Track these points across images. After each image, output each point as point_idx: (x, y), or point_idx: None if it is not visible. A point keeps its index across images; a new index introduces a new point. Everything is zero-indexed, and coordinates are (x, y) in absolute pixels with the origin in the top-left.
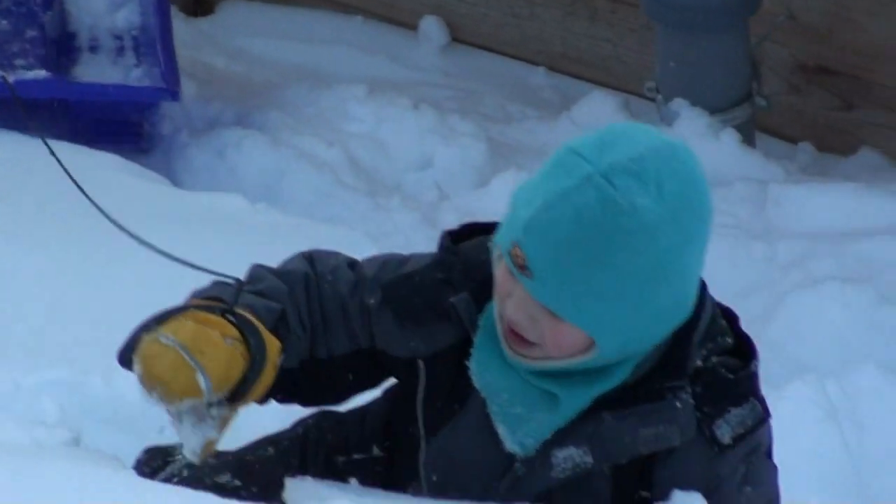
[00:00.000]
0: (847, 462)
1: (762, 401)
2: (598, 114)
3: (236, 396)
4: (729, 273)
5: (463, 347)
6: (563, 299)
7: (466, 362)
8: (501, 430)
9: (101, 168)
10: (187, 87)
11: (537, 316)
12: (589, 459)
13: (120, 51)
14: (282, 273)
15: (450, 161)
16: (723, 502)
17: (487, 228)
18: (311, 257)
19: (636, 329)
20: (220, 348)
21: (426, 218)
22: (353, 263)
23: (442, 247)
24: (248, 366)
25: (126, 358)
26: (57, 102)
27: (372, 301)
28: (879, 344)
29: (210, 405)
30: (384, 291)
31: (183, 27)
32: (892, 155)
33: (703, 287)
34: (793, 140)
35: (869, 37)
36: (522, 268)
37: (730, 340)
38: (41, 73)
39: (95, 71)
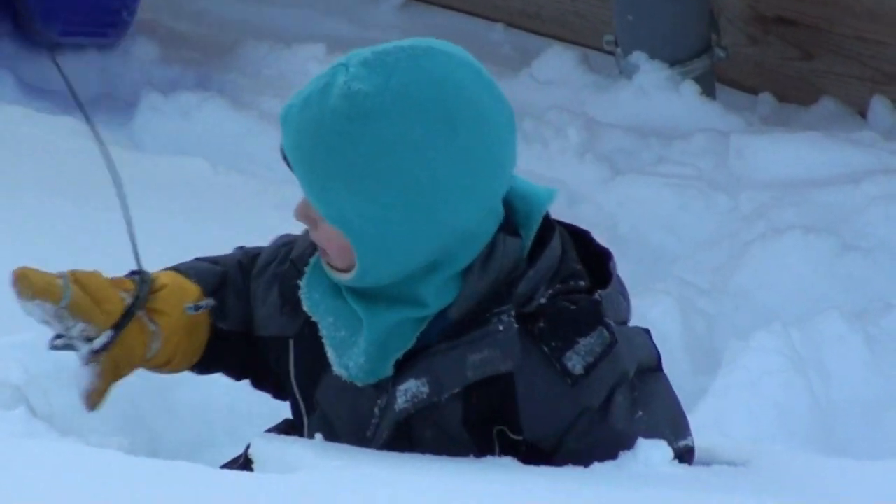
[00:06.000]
0: (812, 409)
1: (609, 327)
2: (557, 69)
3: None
4: (693, 224)
5: None
6: (310, 189)
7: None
8: (331, 353)
9: (61, 134)
10: (149, 50)
11: (309, 215)
12: (425, 390)
13: None
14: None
15: None
16: (620, 437)
17: None
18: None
19: (386, 233)
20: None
21: None
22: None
23: None
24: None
25: None
26: None
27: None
28: (842, 292)
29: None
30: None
31: None
32: (851, 104)
33: (549, 228)
34: (753, 91)
35: None
36: (287, 162)
37: (583, 283)
38: None
39: None
